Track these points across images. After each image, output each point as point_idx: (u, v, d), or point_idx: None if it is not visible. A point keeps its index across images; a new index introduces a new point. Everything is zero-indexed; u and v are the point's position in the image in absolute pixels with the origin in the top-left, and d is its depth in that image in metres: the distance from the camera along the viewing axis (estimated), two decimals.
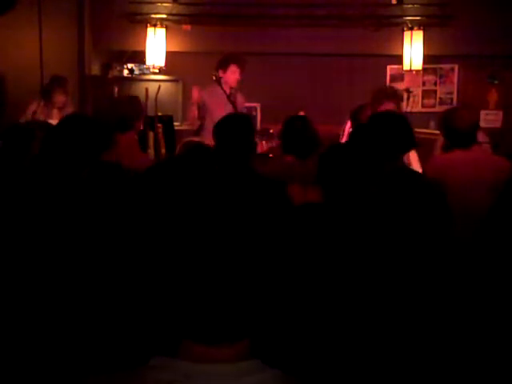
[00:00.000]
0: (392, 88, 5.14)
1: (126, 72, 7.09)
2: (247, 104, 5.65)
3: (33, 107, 5.20)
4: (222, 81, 4.92)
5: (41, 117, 5.00)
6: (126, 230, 2.14)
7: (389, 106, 4.23)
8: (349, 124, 4.60)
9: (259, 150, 4.91)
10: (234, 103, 4.81)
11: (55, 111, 5.26)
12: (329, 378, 2.00)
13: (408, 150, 3.15)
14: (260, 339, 0.97)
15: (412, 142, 3.02)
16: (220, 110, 4.80)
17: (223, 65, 5.03)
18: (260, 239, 0.94)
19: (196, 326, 0.91)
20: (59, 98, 5.30)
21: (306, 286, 2.23)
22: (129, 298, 2.01)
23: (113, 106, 4.18)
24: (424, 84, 7.24)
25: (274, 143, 5.08)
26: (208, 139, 3.75)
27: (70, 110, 5.24)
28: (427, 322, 2.23)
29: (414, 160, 4.43)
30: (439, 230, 2.71)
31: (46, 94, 5.32)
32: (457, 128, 3.35)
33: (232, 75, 5.01)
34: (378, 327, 2.19)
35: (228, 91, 4.92)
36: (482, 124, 5.23)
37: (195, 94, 4.96)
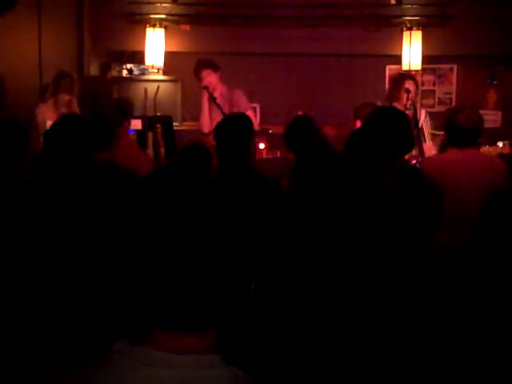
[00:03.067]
0: (408, 71, 6.13)
1: (125, 72, 7.09)
2: None
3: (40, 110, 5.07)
4: (210, 88, 5.10)
5: (44, 118, 4.88)
6: (120, 228, 2.15)
7: (410, 84, 4.83)
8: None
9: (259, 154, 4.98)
10: (219, 106, 4.91)
11: (62, 109, 4.98)
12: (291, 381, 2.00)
13: (407, 152, 3.14)
14: (224, 335, 0.98)
15: (411, 145, 3.00)
16: (212, 112, 4.98)
17: (195, 73, 5.24)
18: (250, 235, 0.95)
19: (160, 312, 0.92)
20: (64, 97, 5.12)
21: (291, 287, 2.24)
22: (101, 285, 2.03)
23: (102, 107, 4.27)
24: (423, 84, 7.24)
25: (278, 153, 5.18)
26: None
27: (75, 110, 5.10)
28: (411, 321, 2.24)
29: (428, 149, 4.50)
30: (430, 230, 2.70)
31: (53, 90, 5.16)
32: (460, 125, 3.32)
33: (207, 79, 5.16)
34: (365, 326, 2.19)
35: (216, 94, 5.01)
36: None
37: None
